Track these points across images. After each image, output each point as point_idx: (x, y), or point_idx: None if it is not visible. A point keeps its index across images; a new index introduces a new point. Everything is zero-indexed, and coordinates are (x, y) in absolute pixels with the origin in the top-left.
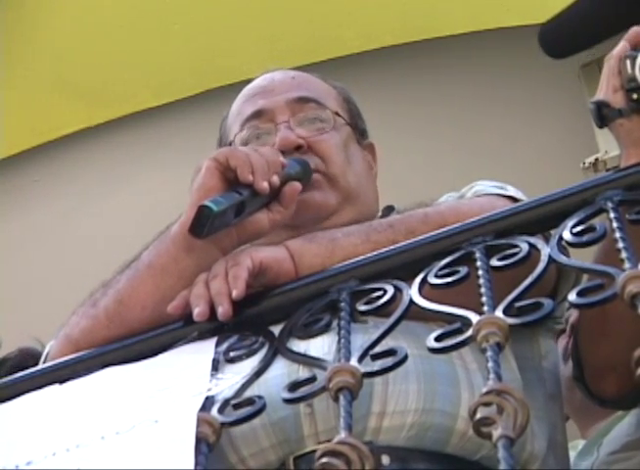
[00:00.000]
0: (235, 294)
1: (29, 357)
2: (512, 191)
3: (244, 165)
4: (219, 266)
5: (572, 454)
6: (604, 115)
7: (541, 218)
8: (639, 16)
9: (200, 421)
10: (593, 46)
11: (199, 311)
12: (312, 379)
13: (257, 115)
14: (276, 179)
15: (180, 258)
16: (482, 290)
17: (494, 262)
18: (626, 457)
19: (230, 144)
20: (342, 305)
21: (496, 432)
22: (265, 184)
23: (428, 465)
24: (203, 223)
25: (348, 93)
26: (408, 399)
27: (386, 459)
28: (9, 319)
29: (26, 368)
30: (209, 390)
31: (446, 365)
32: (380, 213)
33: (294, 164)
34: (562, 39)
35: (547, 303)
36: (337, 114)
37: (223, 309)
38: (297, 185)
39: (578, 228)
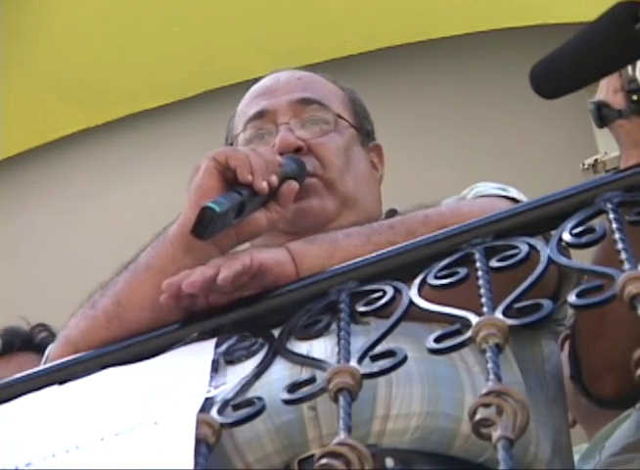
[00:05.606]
0: (221, 276)
1: (15, 336)
2: (513, 192)
3: (243, 166)
4: (217, 260)
5: (577, 458)
6: (604, 115)
7: (541, 219)
8: (630, 56)
9: (199, 422)
10: (585, 86)
11: (190, 281)
12: (312, 380)
13: (260, 115)
14: (275, 179)
15: (178, 259)
16: (482, 291)
17: (494, 263)
18: (626, 460)
19: (232, 144)
20: (342, 306)
21: (496, 433)
22: (265, 184)
23: (432, 468)
24: (205, 225)
25: (356, 95)
26: (412, 402)
27: (390, 462)
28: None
29: (12, 347)
30: (209, 391)
31: (449, 368)
32: (383, 217)
33: (289, 162)
34: (554, 79)
35: (547, 303)
36: (339, 116)
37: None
38: (295, 184)
39: (578, 229)
